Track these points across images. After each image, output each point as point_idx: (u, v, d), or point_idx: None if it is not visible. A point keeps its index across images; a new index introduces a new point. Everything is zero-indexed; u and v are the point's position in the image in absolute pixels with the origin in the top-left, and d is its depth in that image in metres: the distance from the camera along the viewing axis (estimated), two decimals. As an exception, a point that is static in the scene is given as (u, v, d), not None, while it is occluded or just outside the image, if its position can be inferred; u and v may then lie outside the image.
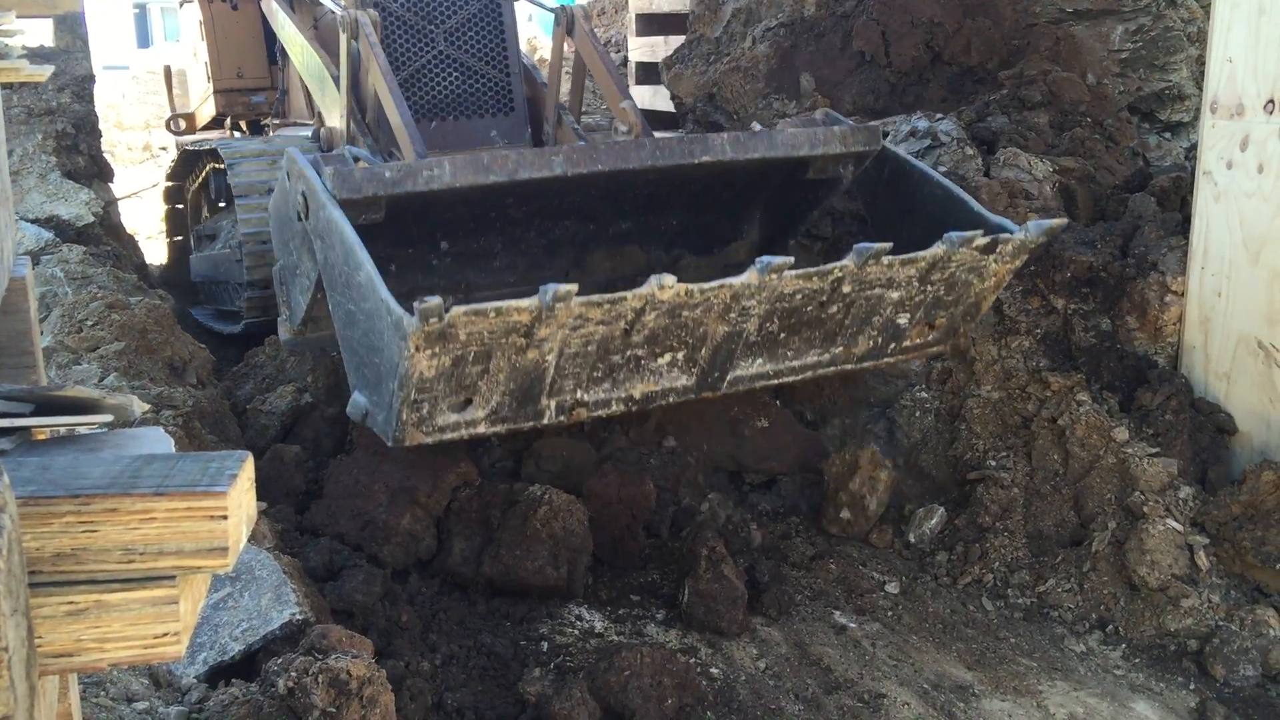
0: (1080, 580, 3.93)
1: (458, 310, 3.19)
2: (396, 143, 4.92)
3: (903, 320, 4.21)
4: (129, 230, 8.10)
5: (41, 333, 4.59)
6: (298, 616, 3.12)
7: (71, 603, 1.15)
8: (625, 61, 10.59)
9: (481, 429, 3.68)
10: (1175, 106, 6.37)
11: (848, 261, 3.80)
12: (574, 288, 3.32)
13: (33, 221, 6.28)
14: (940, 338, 4.41)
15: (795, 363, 4.14)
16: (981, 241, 3.96)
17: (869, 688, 3.52)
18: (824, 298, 3.93)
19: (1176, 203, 4.89)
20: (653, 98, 9.46)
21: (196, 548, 1.15)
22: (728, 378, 4.05)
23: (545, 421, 3.78)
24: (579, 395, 3.81)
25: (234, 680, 2.90)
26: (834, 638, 3.84)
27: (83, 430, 1.54)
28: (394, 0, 5.50)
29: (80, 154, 7.02)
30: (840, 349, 4.20)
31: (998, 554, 4.15)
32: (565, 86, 6.27)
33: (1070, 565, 3.99)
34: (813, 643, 3.80)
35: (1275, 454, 4.02)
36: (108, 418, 1.45)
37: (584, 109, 5.96)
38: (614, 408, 3.94)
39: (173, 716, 2.75)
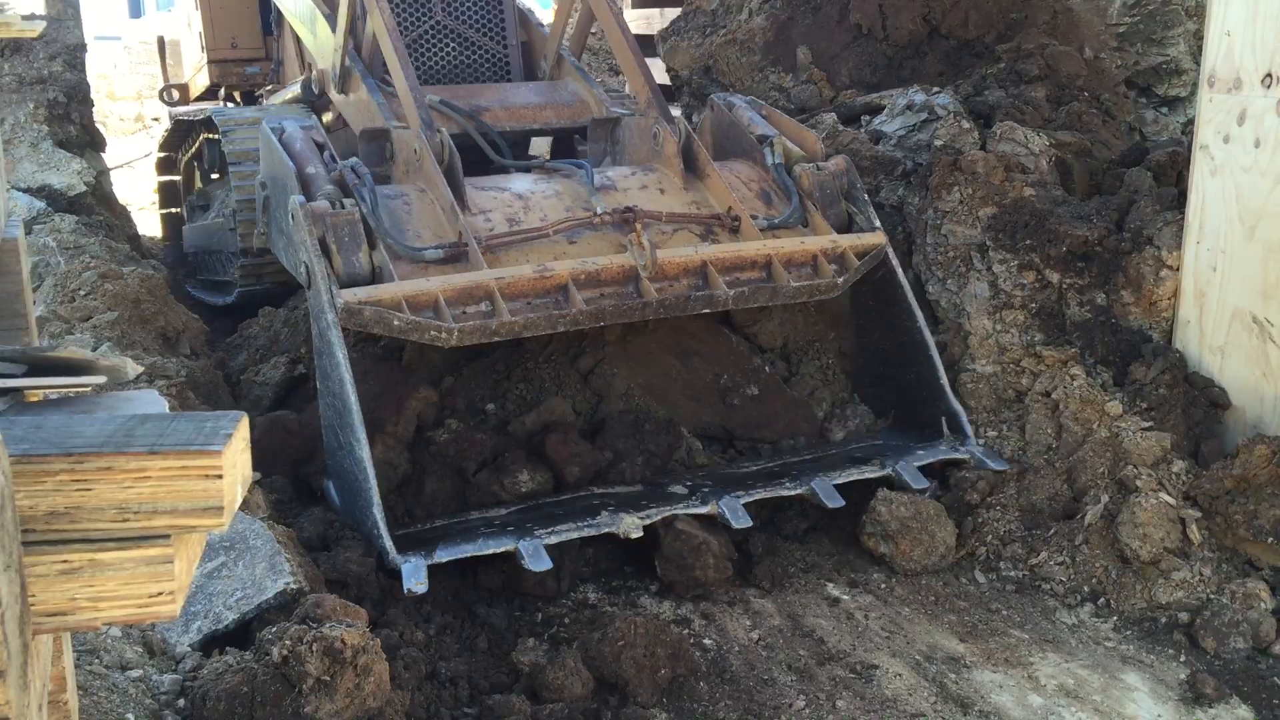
0: (1072, 553, 3.94)
1: (442, 559, 3.61)
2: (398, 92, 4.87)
3: None
4: (121, 201, 8.06)
5: (34, 302, 4.57)
6: (292, 586, 3.12)
7: (65, 561, 1.14)
8: (621, 34, 10.52)
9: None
10: (1172, 81, 6.36)
11: (802, 491, 4.15)
12: (550, 566, 3.64)
13: (25, 191, 6.25)
14: None
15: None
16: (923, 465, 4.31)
17: (861, 659, 3.54)
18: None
19: (1173, 177, 4.88)
20: (648, 70, 9.40)
21: (191, 507, 1.14)
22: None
23: None
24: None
25: (228, 649, 2.90)
26: (827, 609, 3.85)
27: (76, 393, 1.53)
28: None
29: (72, 123, 6.97)
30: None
31: (990, 527, 4.16)
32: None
33: (1062, 538, 4.00)
34: (806, 614, 3.81)
35: (1268, 428, 4.02)
36: (101, 379, 1.44)
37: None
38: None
39: (167, 684, 2.75)
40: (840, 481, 4.19)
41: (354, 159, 4.31)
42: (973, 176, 4.94)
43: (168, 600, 1.16)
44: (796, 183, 4.71)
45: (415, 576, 3.51)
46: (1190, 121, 5.66)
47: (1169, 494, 3.86)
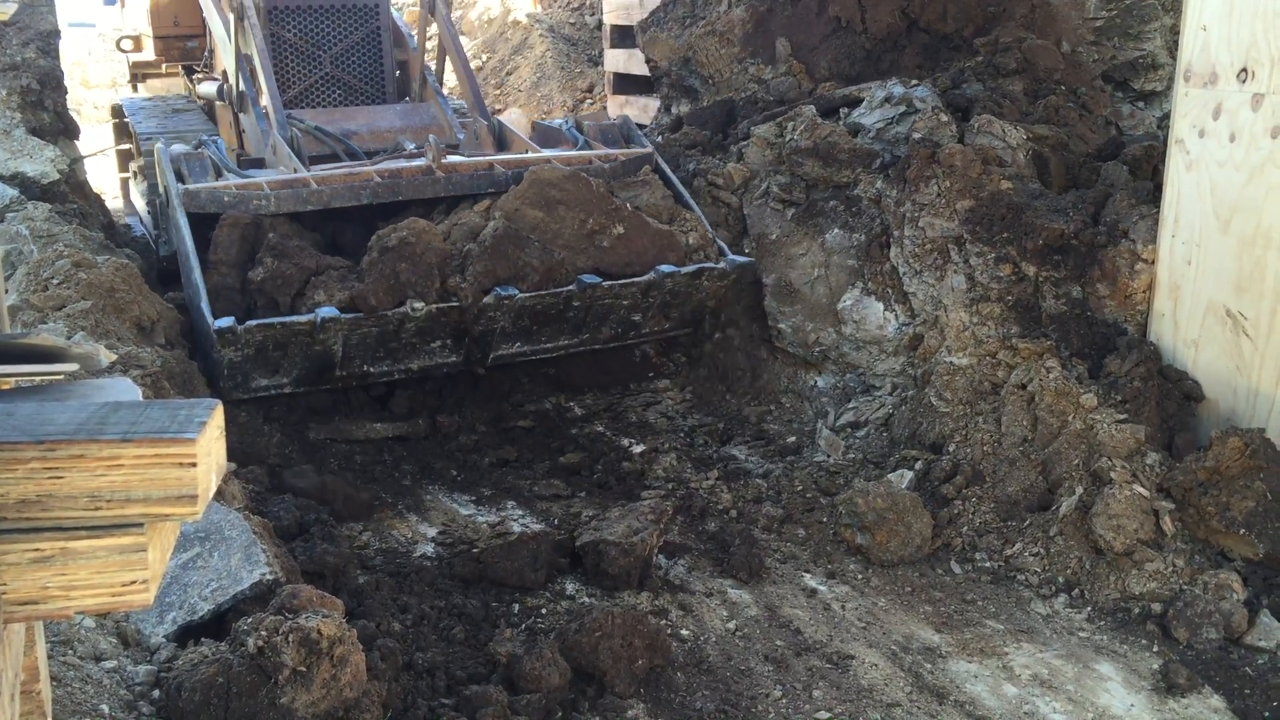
0: (1047, 544, 3.97)
1: (251, 324, 4.51)
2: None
3: (637, 317, 5.46)
4: (95, 189, 7.99)
5: (6, 291, 4.52)
6: (268, 576, 3.11)
7: (37, 550, 1.13)
8: (600, 25, 10.51)
9: (288, 390, 4.94)
10: (1149, 75, 6.39)
11: (572, 289, 4.99)
12: (337, 314, 4.57)
13: (-3, 178, 6.18)
14: (676, 326, 5.71)
15: (549, 344, 5.33)
16: (686, 273, 5.27)
17: (838, 649, 3.55)
18: (560, 307, 5.08)
19: (1148, 171, 4.92)
20: (628, 61, 9.40)
21: (165, 495, 1.13)
22: (490, 356, 5.19)
23: (340, 386, 5.07)
24: (366, 369, 4.99)
25: (204, 640, 2.88)
26: (804, 600, 3.87)
27: (48, 380, 1.52)
28: (287, 29, 6.54)
29: (46, 110, 6.90)
30: (587, 335, 5.40)
31: (966, 519, 4.18)
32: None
33: (1037, 529, 4.02)
34: (783, 605, 3.82)
35: (1241, 420, 4.06)
36: (73, 367, 1.43)
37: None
38: (396, 376, 5.13)
39: (141, 675, 2.74)
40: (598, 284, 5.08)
41: (214, 134, 5.94)
42: (950, 169, 4.96)
43: (141, 589, 1.15)
44: (584, 134, 6.07)
45: (223, 322, 4.46)
46: (1166, 116, 5.69)
47: (1143, 486, 3.89)
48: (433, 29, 7.41)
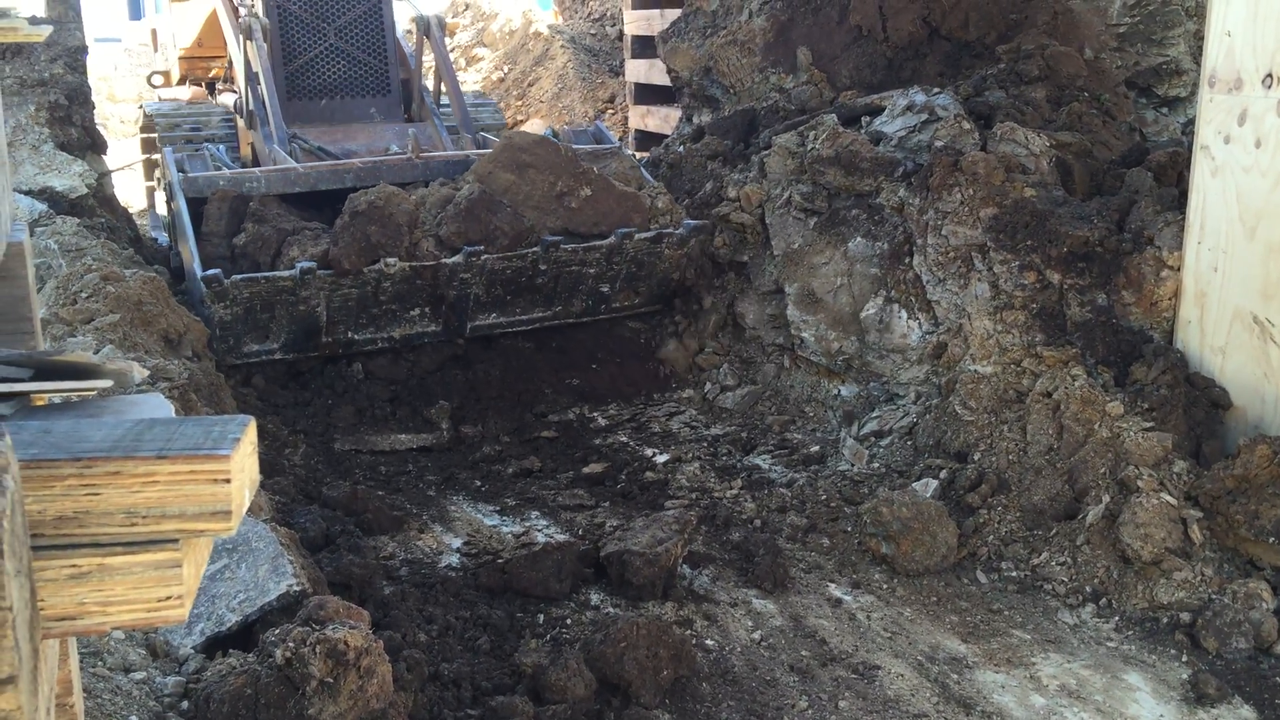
0: (1073, 553, 3.95)
1: (237, 278, 4.83)
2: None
3: (605, 288, 5.72)
4: (122, 203, 8.07)
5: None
6: (295, 588, 3.12)
7: (74, 566, 1.14)
8: (621, 35, 10.54)
9: (278, 355, 5.22)
10: (1173, 81, 6.36)
11: (537, 250, 5.29)
12: (314, 265, 4.88)
13: (26, 193, 6.24)
14: (646, 302, 5.99)
15: (523, 316, 5.62)
16: (646, 238, 5.55)
17: (864, 659, 3.54)
18: (529, 273, 5.37)
19: (1173, 177, 4.89)
20: (649, 71, 9.43)
21: (199, 511, 1.15)
22: (468, 326, 5.49)
23: (327, 353, 5.32)
24: (350, 335, 5.27)
25: (231, 651, 2.90)
26: (829, 610, 3.86)
27: (81, 397, 1.54)
28: (293, 2, 6.88)
29: (73, 125, 6.97)
30: (559, 308, 5.69)
31: (992, 527, 4.16)
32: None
33: (1064, 538, 4.00)
34: (808, 615, 3.81)
35: (1269, 428, 4.03)
36: (107, 383, 1.44)
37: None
38: (380, 344, 5.40)
39: (170, 686, 2.76)
40: (561, 243, 5.47)
41: (219, 145, 6.71)
42: (973, 177, 4.95)
43: (176, 604, 1.16)
44: (559, 138, 6.39)
45: (211, 271, 4.80)
46: (1191, 122, 5.66)
47: (1170, 494, 3.86)
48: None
